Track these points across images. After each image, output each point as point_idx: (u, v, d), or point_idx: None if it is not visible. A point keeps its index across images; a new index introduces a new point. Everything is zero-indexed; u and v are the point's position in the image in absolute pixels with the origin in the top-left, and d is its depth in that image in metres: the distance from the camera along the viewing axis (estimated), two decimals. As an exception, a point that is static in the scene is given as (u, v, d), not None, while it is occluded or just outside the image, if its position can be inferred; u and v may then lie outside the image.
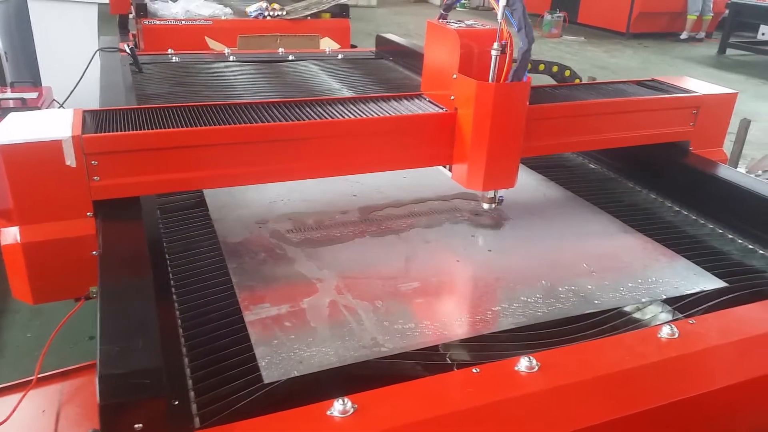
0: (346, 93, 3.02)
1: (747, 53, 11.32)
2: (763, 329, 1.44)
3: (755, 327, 1.45)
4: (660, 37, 12.76)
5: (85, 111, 1.69)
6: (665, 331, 1.38)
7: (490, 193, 1.86)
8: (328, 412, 1.11)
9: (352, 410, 1.12)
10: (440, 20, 1.86)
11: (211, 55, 3.75)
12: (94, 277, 1.37)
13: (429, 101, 1.95)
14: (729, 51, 11.39)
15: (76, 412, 1.44)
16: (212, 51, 4.08)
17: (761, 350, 1.42)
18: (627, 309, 1.58)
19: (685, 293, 1.64)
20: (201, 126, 1.66)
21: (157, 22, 4.92)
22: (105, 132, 1.59)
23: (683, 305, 1.59)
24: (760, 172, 3.27)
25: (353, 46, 4.95)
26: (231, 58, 3.62)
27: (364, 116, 1.81)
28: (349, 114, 1.83)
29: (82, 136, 1.51)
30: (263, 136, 1.69)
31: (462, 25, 1.81)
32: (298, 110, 1.83)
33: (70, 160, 1.51)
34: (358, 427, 1.10)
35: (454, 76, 1.77)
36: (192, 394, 1.21)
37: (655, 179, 2.29)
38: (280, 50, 3.79)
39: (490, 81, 1.68)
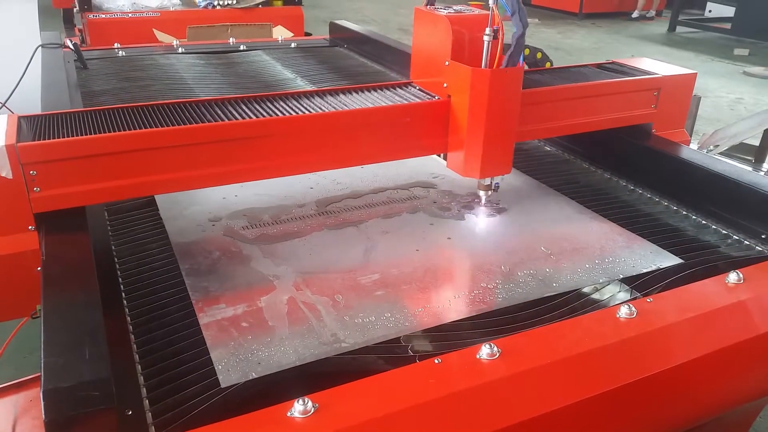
0: (301, 82, 2.97)
1: (696, 30, 11.55)
2: (718, 304, 1.47)
3: (711, 302, 1.48)
4: (612, 16, 12.93)
5: (20, 117, 1.60)
6: (623, 311, 1.39)
7: (486, 180, 1.85)
8: (289, 414, 1.09)
9: (313, 410, 1.10)
10: (428, 6, 1.84)
11: (160, 47, 3.64)
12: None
13: (420, 89, 1.93)
14: (679, 29, 11.59)
15: (33, 424, 1.37)
16: (161, 43, 3.96)
17: (717, 325, 1.44)
18: (585, 290, 1.59)
19: (642, 272, 1.66)
20: (153, 127, 1.58)
21: (103, 16, 4.77)
22: (44, 139, 1.50)
23: (640, 284, 1.61)
24: (711, 147, 3.34)
25: (308, 34, 4.88)
26: (180, 50, 3.52)
27: (355, 107, 1.78)
28: (334, 106, 1.78)
29: (17, 145, 1.42)
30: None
31: (451, 11, 1.79)
32: (270, 105, 1.78)
33: (6, 171, 1.42)
34: (319, 427, 1.08)
35: (447, 63, 1.75)
36: (146, 402, 1.17)
37: (611, 159, 2.31)
38: (231, 40, 3.71)
39: (483, 67, 1.67)
